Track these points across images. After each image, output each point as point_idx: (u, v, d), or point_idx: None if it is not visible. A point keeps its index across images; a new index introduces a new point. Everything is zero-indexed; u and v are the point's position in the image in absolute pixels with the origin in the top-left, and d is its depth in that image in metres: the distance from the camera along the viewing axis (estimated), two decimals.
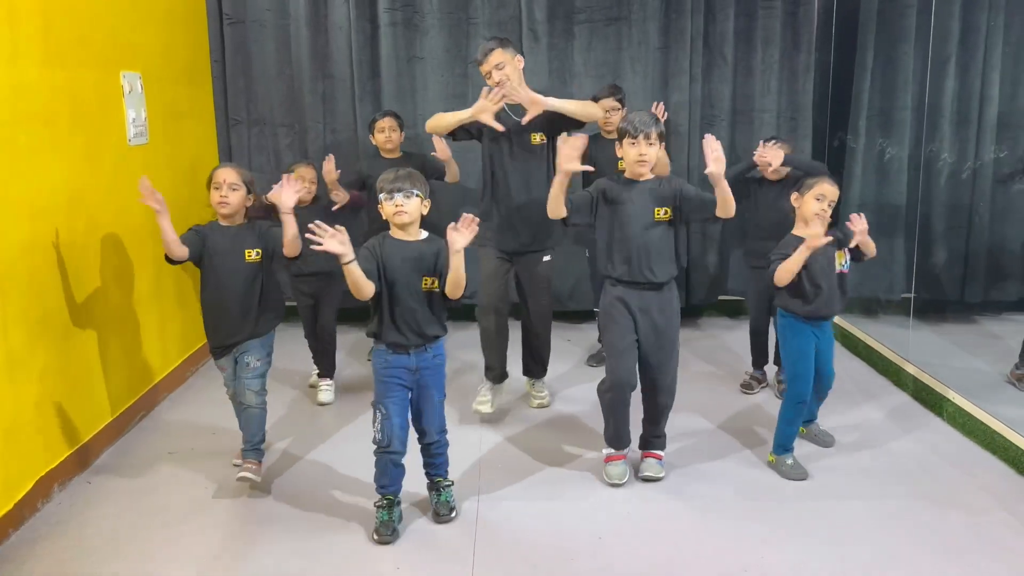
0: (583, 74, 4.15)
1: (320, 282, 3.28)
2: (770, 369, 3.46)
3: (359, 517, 2.41)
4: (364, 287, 2.21)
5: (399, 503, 2.38)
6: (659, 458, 2.68)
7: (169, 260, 2.51)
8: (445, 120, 2.96)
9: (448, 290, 2.27)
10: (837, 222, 2.61)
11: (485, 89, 2.90)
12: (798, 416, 2.69)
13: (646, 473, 2.63)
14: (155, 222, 2.45)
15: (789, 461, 2.68)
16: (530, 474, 2.69)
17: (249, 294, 2.54)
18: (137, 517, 2.46)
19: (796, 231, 2.62)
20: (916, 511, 2.46)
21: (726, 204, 2.43)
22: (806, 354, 2.64)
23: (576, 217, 2.54)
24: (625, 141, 2.48)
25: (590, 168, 2.68)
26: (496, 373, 3.15)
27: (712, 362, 3.81)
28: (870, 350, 3.78)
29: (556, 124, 2.93)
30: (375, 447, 2.31)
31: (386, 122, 3.49)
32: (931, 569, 2.17)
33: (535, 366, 3.27)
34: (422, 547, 2.29)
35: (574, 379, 3.55)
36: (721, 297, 4.49)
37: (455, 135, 3.03)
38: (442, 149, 3.40)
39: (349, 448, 2.89)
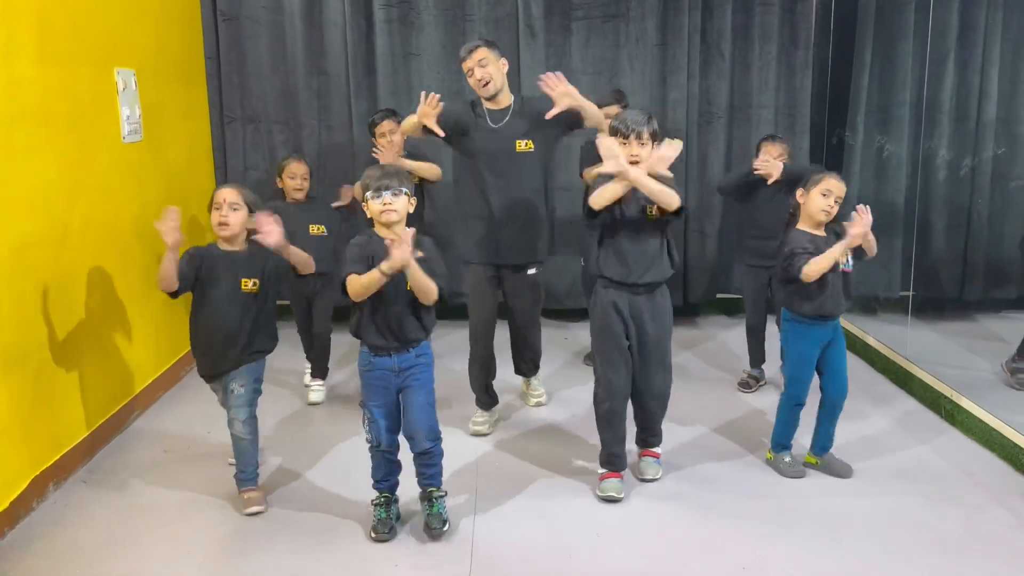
0: (580, 71, 4.13)
1: (316, 283, 3.24)
2: (772, 367, 3.45)
3: (357, 516, 2.40)
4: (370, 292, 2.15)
5: (396, 500, 2.36)
6: (656, 456, 2.66)
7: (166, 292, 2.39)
8: (407, 126, 2.86)
9: (419, 299, 2.19)
10: (836, 219, 2.58)
11: (423, 93, 2.76)
12: (794, 417, 2.66)
13: (646, 474, 2.61)
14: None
15: (787, 459, 2.67)
16: (527, 476, 2.68)
17: (240, 326, 2.40)
18: (133, 516, 2.45)
19: (801, 226, 2.57)
20: (914, 508, 2.45)
21: (658, 198, 2.33)
22: (807, 358, 2.60)
23: (598, 216, 2.43)
24: (617, 141, 2.39)
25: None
26: (483, 402, 3.06)
27: (710, 361, 3.80)
28: (868, 348, 3.77)
29: (554, 128, 2.80)
30: (368, 445, 2.30)
31: (386, 125, 3.30)
32: (929, 566, 2.16)
33: (525, 366, 3.22)
34: (421, 547, 2.27)
35: (571, 379, 3.53)
36: (719, 295, 4.48)
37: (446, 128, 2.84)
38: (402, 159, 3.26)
39: (344, 448, 2.88)
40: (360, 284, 2.14)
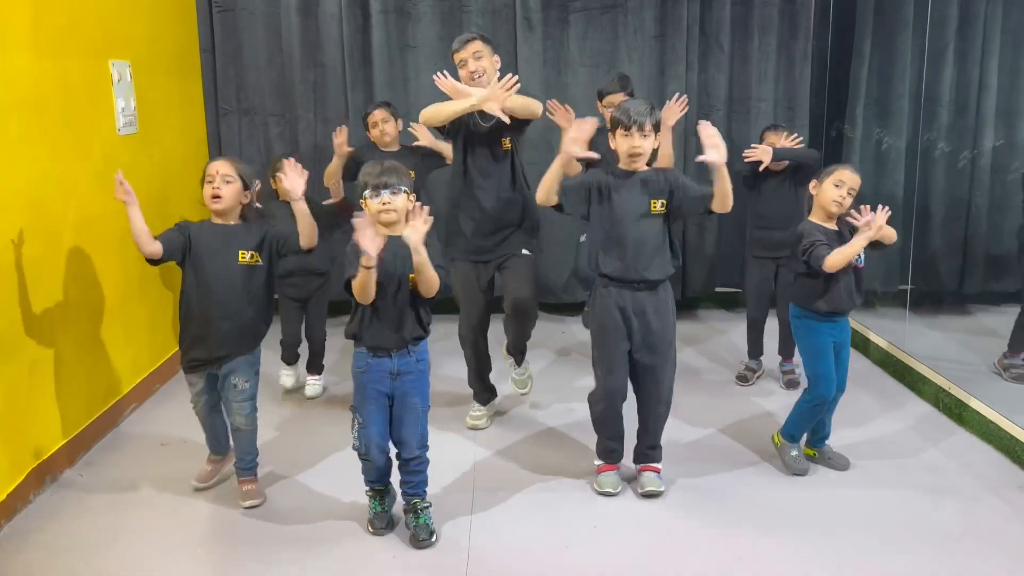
0: (578, 63, 4.11)
1: (310, 283, 3.18)
2: (770, 359, 3.45)
3: (355, 514, 2.37)
4: (372, 291, 2.09)
5: (390, 491, 2.32)
6: (657, 471, 2.52)
7: (148, 260, 2.30)
8: (444, 111, 2.71)
9: (422, 291, 2.14)
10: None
11: (497, 75, 2.68)
12: (812, 414, 2.58)
13: (647, 488, 2.47)
14: (149, 213, 2.34)
15: (793, 452, 2.63)
16: (524, 471, 2.68)
17: (239, 302, 2.29)
18: (130, 509, 2.44)
19: (812, 218, 2.53)
20: (911, 500, 2.45)
21: (725, 198, 2.27)
22: (824, 352, 2.52)
23: (569, 204, 2.36)
24: (618, 132, 2.32)
25: (595, 155, 2.43)
26: (481, 396, 3.04)
27: (710, 356, 3.79)
28: (866, 341, 3.77)
29: (518, 127, 2.76)
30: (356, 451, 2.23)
31: (378, 115, 3.20)
32: (926, 557, 2.17)
33: (513, 351, 3.17)
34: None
35: (569, 381, 3.50)
36: (718, 288, 4.47)
37: (443, 127, 2.83)
38: (425, 135, 3.26)
39: (341, 444, 2.84)
40: (365, 282, 2.07)
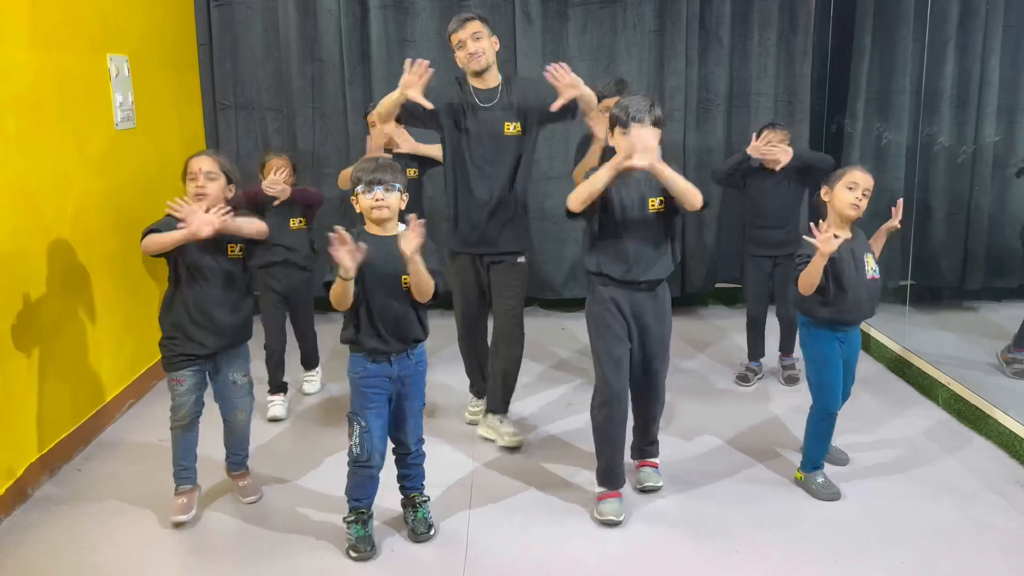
0: (578, 58, 4.10)
1: (292, 276, 3.07)
2: (771, 360, 3.44)
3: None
4: (349, 299, 2.03)
5: (372, 516, 2.22)
6: (655, 466, 2.53)
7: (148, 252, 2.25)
8: (386, 107, 2.54)
9: (416, 296, 2.09)
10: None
11: (408, 61, 2.48)
12: (827, 431, 2.44)
13: (646, 484, 2.47)
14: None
15: (820, 479, 2.45)
16: (522, 473, 2.67)
17: (232, 295, 2.30)
18: (129, 504, 2.44)
19: (830, 226, 2.34)
20: (909, 494, 2.46)
21: (683, 196, 2.18)
22: (830, 361, 2.38)
23: (584, 212, 2.26)
24: (616, 130, 2.22)
25: (644, 165, 2.24)
26: (479, 389, 3.00)
27: (711, 353, 3.78)
28: (865, 337, 3.77)
29: (541, 113, 2.62)
30: (351, 461, 2.15)
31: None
32: (924, 552, 2.17)
33: (499, 389, 2.87)
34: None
35: (567, 379, 3.49)
36: (719, 284, 4.46)
37: (400, 120, 2.67)
38: (406, 139, 3.08)
39: (333, 450, 2.76)
40: (341, 291, 2.02)
